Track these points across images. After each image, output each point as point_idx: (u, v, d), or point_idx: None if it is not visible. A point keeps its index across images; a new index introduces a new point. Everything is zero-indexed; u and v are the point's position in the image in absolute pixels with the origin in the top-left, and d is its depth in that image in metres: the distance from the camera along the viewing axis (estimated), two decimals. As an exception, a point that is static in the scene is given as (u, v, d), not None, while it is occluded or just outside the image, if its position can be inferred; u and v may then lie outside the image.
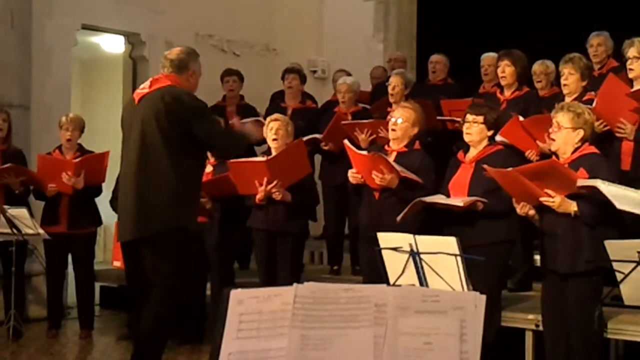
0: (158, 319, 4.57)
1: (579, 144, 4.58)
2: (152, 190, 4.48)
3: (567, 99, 5.59)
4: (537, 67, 6.56)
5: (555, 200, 4.40)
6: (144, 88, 4.67)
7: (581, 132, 4.57)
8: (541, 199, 4.43)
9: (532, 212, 4.58)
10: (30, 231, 5.93)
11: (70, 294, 7.32)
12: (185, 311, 6.44)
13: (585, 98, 5.63)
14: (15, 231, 5.90)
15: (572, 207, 4.40)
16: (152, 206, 4.48)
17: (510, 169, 4.52)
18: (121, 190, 4.72)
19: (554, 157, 4.70)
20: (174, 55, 4.71)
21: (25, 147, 7.03)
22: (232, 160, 5.86)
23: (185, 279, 4.69)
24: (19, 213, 5.87)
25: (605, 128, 5.41)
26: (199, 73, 4.80)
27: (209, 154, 5.46)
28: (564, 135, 4.58)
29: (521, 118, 5.61)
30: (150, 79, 4.71)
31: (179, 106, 4.48)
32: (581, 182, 4.31)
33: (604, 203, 4.20)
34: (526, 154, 5.67)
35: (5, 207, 5.95)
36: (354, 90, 7.36)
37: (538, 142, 5.53)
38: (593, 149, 4.61)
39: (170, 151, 4.47)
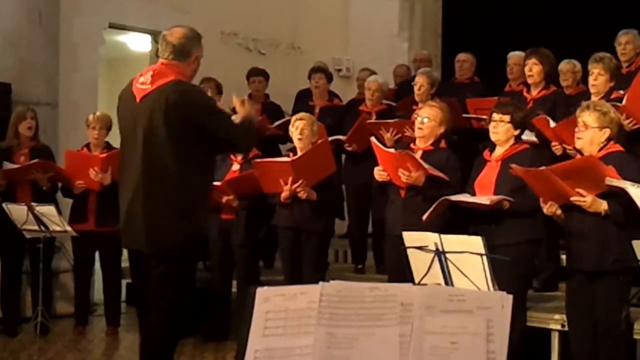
0: (163, 333, 4.35)
1: (605, 143, 4.55)
2: (164, 200, 4.17)
3: (594, 98, 5.54)
4: (563, 66, 6.52)
5: (586, 199, 4.37)
6: (144, 83, 4.22)
7: (607, 131, 4.54)
8: (572, 198, 4.40)
9: (559, 211, 4.55)
10: (58, 228, 5.97)
11: (97, 291, 7.39)
12: (211, 309, 6.49)
13: (612, 97, 5.59)
14: (42, 228, 5.96)
15: (603, 206, 4.37)
16: (165, 218, 4.18)
17: (543, 167, 4.49)
18: (126, 195, 4.30)
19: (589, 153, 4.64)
20: (176, 39, 4.27)
21: (53, 145, 7.10)
22: (257, 160, 5.89)
23: (191, 292, 4.49)
24: (47, 210, 5.92)
25: (635, 126, 5.37)
26: (201, 56, 4.42)
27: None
28: (591, 135, 4.55)
29: (552, 123, 5.57)
30: (151, 71, 4.26)
31: (187, 106, 4.14)
32: (609, 182, 4.27)
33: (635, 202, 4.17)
34: (552, 143, 5.64)
35: (33, 204, 6.00)
36: (383, 90, 7.37)
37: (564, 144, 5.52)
38: (619, 147, 4.58)
39: (180, 155, 4.15)
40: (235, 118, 4.38)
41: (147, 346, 4.38)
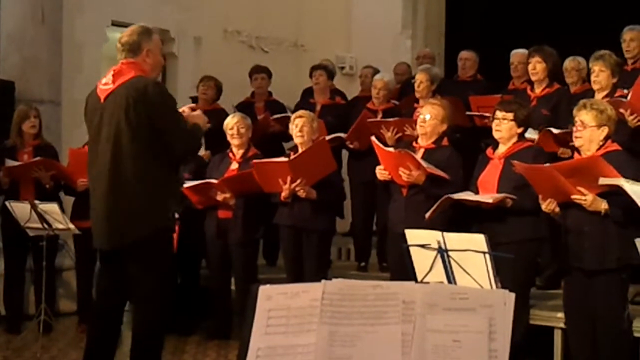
0: (147, 330, 4.35)
1: (603, 142, 4.55)
2: (130, 194, 4.21)
3: (598, 96, 5.54)
4: (568, 63, 6.51)
5: (587, 198, 4.36)
6: (107, 84, 4.32)
7: (605, 129, 4.53)
8: (573, 196, 4.39)
9: (557, 209, 4.55)
10: (61, 226, 5.98)
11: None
12: (211, 307, 6.49)
13: (616, 95, 5.58)
14: (46, 226, 5.96)
15: (603, 205, 4.36)
16: (132, 211, 4.22)
17: (546, 164, 4.49)
18: (94, 193, 4.37)
19: (593, 153, 4.64)
20: (125, 37, 4.37)
21: (56, 143, 7.10)
22: (255, 161, 5.89)
23: (169, 288, 4.51)
24: (50, 208, 5.93)
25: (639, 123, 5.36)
26: (157, 50, 4.44)
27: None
28: (589, 133, 4.54)
29: (555, 130, 5.56)
30: (112, 71, 4.34)
31: (144, 100, 4.19)
32: (604, 181, 4.27)
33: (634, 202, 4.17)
34: (559, 152, 5.63)
35: (36, 202, 6.01)
36: (389, 88, 7.37)
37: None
38: (616, 146, 4.58)
39: (143, 151, 4.21)
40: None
41: (134, 344, 4.39)
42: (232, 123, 6.22)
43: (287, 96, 8.12)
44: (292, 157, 5.83)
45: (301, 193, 5.75)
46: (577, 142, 4.63)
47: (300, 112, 6.14)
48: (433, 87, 6.80)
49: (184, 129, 4.33)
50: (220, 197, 6.03)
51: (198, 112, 4.62)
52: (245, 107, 7.43)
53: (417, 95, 6.79)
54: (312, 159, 5.77)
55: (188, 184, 5.91)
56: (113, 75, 4.31)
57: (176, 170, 4.52)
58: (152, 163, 4.25)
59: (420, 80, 6.79)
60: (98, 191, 4.33)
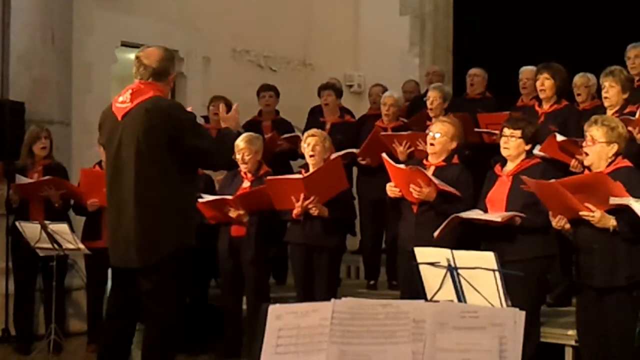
0: (160, 346, 4.38)
1: (613, 158, 4.54)
2: (153, 214, 4.28)
3: (609, 112, 5.54)
4: (578, 79, 6.51)
5: (595, 215, 4.35)
6: (124, 102, 4.33)
7: (615, 146, 4.52)
8: (581, 213, 4.38)
9: (567, 225, 4.53)
10: (71, 246, 6.00)
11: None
12: (222, 326, 6.48)
13: (627, 110, 5.58)
14: (56, 246, 5.98)
15: (611, 222, 4.35)
16: (155, 231, 4.28)
17: (552, 180, 4.48)
18: (114, 213, 4.40)
19: (597, 169, 4.63)
20: (155, 62, 4.37)
21: (66, 163, 7.13)
22: (268, 177, 5.89)
23: (181, 308, 4.56)
24: (60, 228, 5.94)
25: (650, 140, 5.35)
26: (176, 75, 4.59)
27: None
28: (598, 150, 4.53)
29: (559, 137, 5.55)
30: (130, 90, 4.36)
31: (166, 121, 4.25)
32: (613, 200, 4.26)
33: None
34: (571, 164, 5.61)
35: (46, 222, 6.03)
36: (399, 105, 7.39)
37: (577, 156, 5.49)
38: (627, 163, 4.56)
39: (165, 169, 4.27)
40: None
41: None
42: (236, 150, 6.19)
43: (295, 115, 8.14)
44: (305, 174, 5.83)
45: (314, 211, 5.74)
46: (586, 161, 4.62)
47: (313, 131, 6.14)
48: (445, 105, 6.83)
49: (211, 140, 4.45)
50: (233, 213, 6.03)
51: (232, 112, 4.68)
52: (252, 126, 7.44)
53: (431, 113, 6.81)
54: (325, 177, 5.77)
55: (203, 199, 5.92)
56: (131, 94, 4.33)
57: (197, 185, 4.66)
58: (175, 180, 4.31)
59: (434, 97, 6.82)
60: (124, 213, 4.33)
